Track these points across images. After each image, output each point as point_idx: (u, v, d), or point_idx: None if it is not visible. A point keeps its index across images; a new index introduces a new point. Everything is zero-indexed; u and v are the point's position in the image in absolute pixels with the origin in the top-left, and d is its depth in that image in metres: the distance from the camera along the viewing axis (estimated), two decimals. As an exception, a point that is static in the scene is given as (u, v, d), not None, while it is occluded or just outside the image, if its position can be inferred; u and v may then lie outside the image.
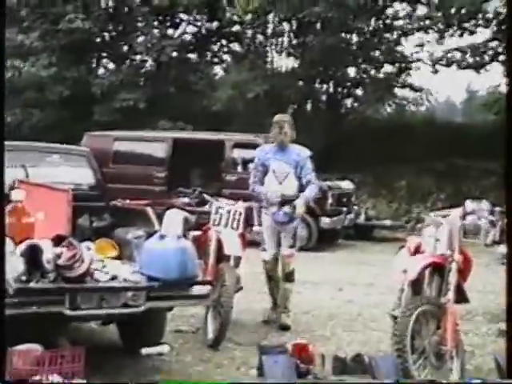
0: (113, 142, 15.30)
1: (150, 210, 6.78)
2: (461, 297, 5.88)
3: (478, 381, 5.59)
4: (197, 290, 6.22)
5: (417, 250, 6.26)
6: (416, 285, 6.00)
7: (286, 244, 8.01)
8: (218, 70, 24.80)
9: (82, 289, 5.85)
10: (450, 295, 5.76)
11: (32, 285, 5.68)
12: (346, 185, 16.09)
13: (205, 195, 8.08)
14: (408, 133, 20.95)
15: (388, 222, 17.45)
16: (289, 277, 8.08)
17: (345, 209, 15.49)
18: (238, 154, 15.10)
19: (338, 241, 15.97)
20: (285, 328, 7.99)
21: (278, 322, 8.11)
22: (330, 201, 14.86)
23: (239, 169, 15.10)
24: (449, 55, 20.18)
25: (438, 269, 5.91)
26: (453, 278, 5.78)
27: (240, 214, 7.72)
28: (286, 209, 7.79)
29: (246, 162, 15.05)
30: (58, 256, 5.87)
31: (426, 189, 19.38)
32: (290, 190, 7.85)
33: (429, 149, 19.67)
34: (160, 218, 6.69)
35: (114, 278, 6.10)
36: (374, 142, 20.45)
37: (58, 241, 6.05)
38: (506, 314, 5.24)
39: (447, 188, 19.04)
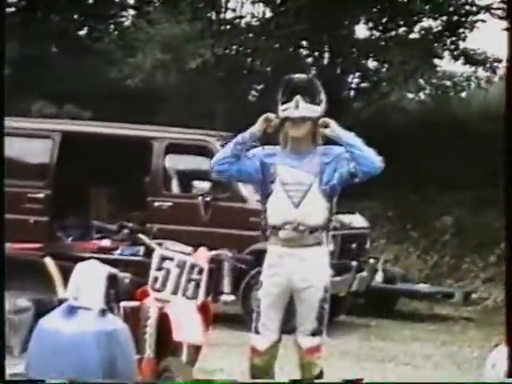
0: (-44, 135, 14.86)
1: (49, 262, 6.44)
2: None
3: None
4: None
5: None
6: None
7: (306, 327, 7.62)
8: (135, 20, 24.33)
9: None
10: None
11: None
12: (356, 222, 15.80)
13: (140, 235, 7.69)
14: (457, 135, 20.77)
15: (424, 287, 17.21)
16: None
17: (354, 262, 15.20)
18: (174, 162, 14.84)
19: (340, 317, 15.66)
20: None
21: None
22: (329, 248, 14.54)
23: (175, 189, 14.83)
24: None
25: None
26: None
27: (200, 270, 7.44)
28: None
29: (186, 178, 14.77)
30: None
31: (488, 232, 19.18)
32: (313, 217, 7.57)
33: (493, 163, 19.50)
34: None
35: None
36: (397, 150, 20.21)
37: None
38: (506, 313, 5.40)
39: (525, 231, 18.87)
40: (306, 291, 7.56)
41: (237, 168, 7.54)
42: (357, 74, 23.14)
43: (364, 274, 15.70)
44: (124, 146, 14.79)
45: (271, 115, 7.49)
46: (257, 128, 7.52)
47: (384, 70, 22.35)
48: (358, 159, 7.42)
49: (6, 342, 6.31)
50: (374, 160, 7.46)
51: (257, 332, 7.53)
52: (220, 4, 22.12)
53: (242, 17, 22.27)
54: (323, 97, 7.61)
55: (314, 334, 7.60)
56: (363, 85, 23.18)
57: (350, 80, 23.20)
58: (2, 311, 5.09)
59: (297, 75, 7.79)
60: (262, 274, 7.67)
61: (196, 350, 7.39)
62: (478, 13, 21.39)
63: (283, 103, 7.45)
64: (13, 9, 22.48)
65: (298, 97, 7.40)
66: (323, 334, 7.66)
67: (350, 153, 7.43)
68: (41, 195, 14.61)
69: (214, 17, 21.70)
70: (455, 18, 21.48)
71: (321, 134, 7.52)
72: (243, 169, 7.56)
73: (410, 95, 23.62)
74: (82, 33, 22.96)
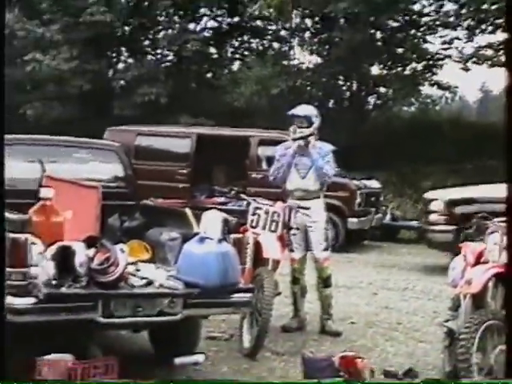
0: (135, 137, 14.79)
1: (189, 211, 6.34)
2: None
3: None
4: (238, 296, 5.83)
5: (478, 259, 5.72)
6: (477, 297, 5.50)
7: (318, 247, 7.67)
8: (240, 66, 24.25)
9: (116, 295, 5.43)
10: (519, 309, 5.23)
11: (63, 290, 5.24)
12: (374, 184, 15.60)
13: (242, 195, 7.62)
14: (434, 132, 20.37)
15: (415, 223, 16.97)
16: (327, 282, 7.76)
17: (373, 209, 15.01)
18: (263, 151, 14.55)
19: (364, 242, 15.51)
20: (336, 334, 7.64)
21: (326, 330, 7.74)
22: (358, 200, 14.38)
23: (264, 166, 14.56)
24: (480, 52, 19.65)
25: (504, 280, 5.40)
26: (521, 290, 5.25)
27: (278, 215, 7.34)
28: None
29: (271, 160, 14.59)
30: (91, 259, 5.44)
31: (454, 190, 18.84)
32: (311, 184, 7.65)
33: (456, 149, 19.16)
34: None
35: (149, 283, 5.67)
36: (398, 141, 19.94)
37: (89, 242, 5.62)
38: (505, 313, 5.02)
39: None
40: (314, 225, 7.59)
41: (285, 174, 7.70)
42: (374, 95, 22.83)
43: (379, 215, 15.60)
44: (233, 141, 14.65)
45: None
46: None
47: (390, 93, 22.08)
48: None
49: (164, 256, 6.25)
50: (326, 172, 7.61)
51: (291, 250, 7.62)
52: (290, 56, 21.99)
53: (303, 63, 22.11)
54: (314, 120, 7.65)
55: (324, 249, 7.65)
56: (377, 102, 22.86)
57: (369, 99, 22.89)
58: (2, 312, 4.55)
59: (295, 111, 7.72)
60: None
61: (277, 262, 7.29)
62: (443, 59, 21.05)
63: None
64: (168, 64, 22.43)
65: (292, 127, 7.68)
66: (329, 249, 7.79)
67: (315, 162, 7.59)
68: (185, 171, 14.51)
69: (286, 63, 21.56)
70: (431, 62, 21.15)
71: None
72: (286, 170, 7.68)
73: (405, 108, 23.24)
74: (208, 75, 22.88)
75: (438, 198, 12.10)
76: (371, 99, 22.86)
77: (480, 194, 11.47)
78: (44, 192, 5.88)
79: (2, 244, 4.56)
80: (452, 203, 11.64)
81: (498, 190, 12.24)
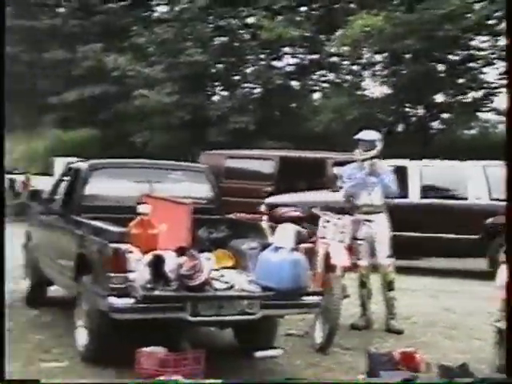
0: (225, 159, 14.90)
1: (265, 224, 6.34)
2: None
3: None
4: (308, 299, 5.83)
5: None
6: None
7: (383, 254, 7.57)
8: (318, 97, 24.20)
9: (202, 297, 5.52)
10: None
11: (157, 292, 5.36)
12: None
13: (313, 209, 7.54)
14: (493, 153, 19.79)
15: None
16: (390, 285, 7.65)
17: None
18: (338, 171, 14.24)
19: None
20: (398, 332, 7.51)
21: (390, 328, 7.61)
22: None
23: (339, 183, 14.44)
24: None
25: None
26: None
27: (346, 227, 7.21)
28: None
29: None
30: (180, 266, 5.54)
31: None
32: (377, 200, 7.60)
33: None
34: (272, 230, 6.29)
35: (231, 287, 5.75)
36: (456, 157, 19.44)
37: (180, 252, 5.75)
38: (506, 313, 4.92)
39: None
40: (379, 235, 7.50)
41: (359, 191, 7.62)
42: (437, 121, 22.29)
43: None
44: (312, 163, 14.53)
45: None
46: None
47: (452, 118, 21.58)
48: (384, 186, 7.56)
49: (245, 264, 6.23)
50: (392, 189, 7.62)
51: (359, 258, 7.49)
52: (362, 87, 21.80)
53: (374, 93, 21.82)
54: (377, 143, 7.57)
55: (388, 257, 7.53)
56: (441, 126, 22.35)
57: (433, 124, 22.37)
58: (2, 312, 4.52)
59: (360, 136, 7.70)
60: None
61: (344, 269, 7.11)
62: (499, 88, 20.41)
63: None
64: (256, 96, 22.53)
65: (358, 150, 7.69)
66: (393, 257, 7.60)
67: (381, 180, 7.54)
68: (269, 189, 14.27)
69: (359, 93, 21.28)
70: (488, 91, 20.50)
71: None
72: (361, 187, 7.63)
73: (466, 131, 22.67)
74: (291, 105, 22.79)
75: (264, 201, 11.90)
76: (435, 124, 22.38)
77: (290, 200, 12.18)
78: (142, 208, 6.04)
79: (2, 246, 4.57)
80: (269, 206, 11.35)
81: (312, 196, 12.65)
